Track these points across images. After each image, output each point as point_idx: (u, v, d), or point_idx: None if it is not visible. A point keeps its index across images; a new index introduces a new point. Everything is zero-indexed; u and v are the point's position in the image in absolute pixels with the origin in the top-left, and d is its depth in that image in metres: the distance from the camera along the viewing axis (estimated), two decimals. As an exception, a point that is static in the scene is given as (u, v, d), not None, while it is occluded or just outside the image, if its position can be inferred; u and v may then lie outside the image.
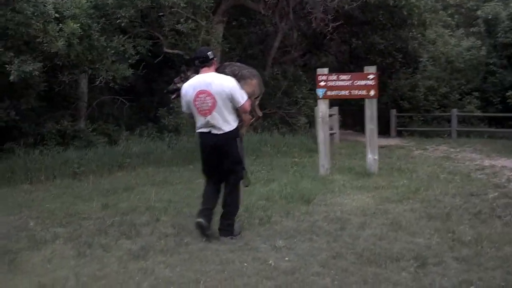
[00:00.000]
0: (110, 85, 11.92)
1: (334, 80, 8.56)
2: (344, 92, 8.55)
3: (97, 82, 11.20)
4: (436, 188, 7.41)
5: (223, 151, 5.14)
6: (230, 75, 5.22)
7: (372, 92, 8.44)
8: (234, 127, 5.12)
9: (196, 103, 5.04)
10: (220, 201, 5.43)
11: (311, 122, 15.39)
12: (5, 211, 7.23)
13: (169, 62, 16.22)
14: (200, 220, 5.16)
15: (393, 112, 20.19)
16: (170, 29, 12.22)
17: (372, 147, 8.55)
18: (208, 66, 5.15)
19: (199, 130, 5.19)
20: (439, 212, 6.11)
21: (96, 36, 10.71)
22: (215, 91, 4.97)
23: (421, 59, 21.14)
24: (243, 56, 18.25)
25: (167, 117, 13.40)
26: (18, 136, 11.53)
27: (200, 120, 5.12)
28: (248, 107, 5.21)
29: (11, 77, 10.03)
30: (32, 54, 10.68)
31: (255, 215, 6.19)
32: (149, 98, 16.06)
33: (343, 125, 19.50)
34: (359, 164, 9.58)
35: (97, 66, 10.92)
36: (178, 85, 5.83)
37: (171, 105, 13.50)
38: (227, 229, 5.27)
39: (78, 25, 10.14)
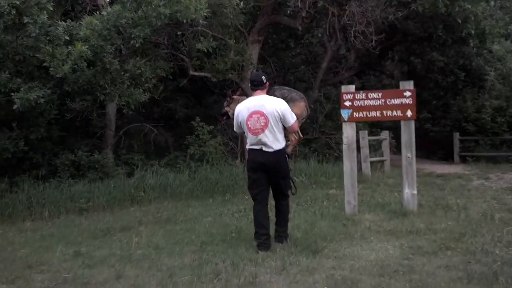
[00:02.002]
0: (124, 111, 10.95)
1: (362, 99, 7.07)
2: (375, 113, 7.03)
3: (108, 109, 10.18)
4: (486, 234, 5.71)
5: (272, 167, 5.54)
6: (280, 97, 5.72)
7: (409, 113, 6.88)
8: (283, 146, 5.58)
9: (249, 123, 5.52)
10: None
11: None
12: None
13: (207, 86, 15.30)
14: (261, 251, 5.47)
15: (457, 135, 18.06)
16: (197, 50, 11.11)
17: (410, 180, 6.93)
18: (261, 89, 5.64)
19: (251, 147, 5.63)
20: (484, 271, 4.46)
21: (109, 59, 9.76)
22: (268, 112, 5.46)
23: (487, 77, 18.95)
24: (285, 79, 16.99)
25: (193, 146, 12.25)
26: (29, 168, 10.74)
27: (252, 139, 5.57)
28: (296, 127, 5.74)
29: (15, 106, 9.27)
30: (41, 81, 9.92)
31: (239, 272, 4.80)
32: (184, 124, 15.03)
33: (399, 150, 17.59)
34: (398, 199, 7.94)
35: (108, 91, 9.93)
36: (226, 108, 7.41)
37: (196, 133, 12.37)
38: (283, 235, 5.73)
39: (87, 47, 9.22)
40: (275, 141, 5.49)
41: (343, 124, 7.22)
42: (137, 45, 9.71)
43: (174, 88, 16.49)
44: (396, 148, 15.54)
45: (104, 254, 6.00)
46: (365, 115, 7.09)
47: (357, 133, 14.22)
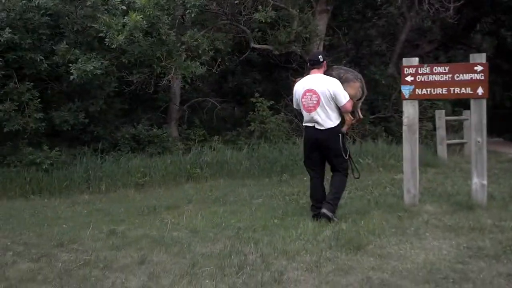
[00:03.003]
0: (185, 85, 10.64)
1: (426, 73, 6.21)
2: (441, 90, 6.15)
3: (165, 81, 9.90)
4: None
5: (325, 144, 5.74)
6: (336, 77, 5.72)
7: (480, 90, 5.96)
8: (336, 124, 5.70)
9: (303, 100, 5.73)
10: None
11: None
12: (13, 229, 6.31)
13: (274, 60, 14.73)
14: (322, 211, 5.67)
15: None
16: (259, 21, 10.54)
17: (479, 168, 6.03)
18: (318, 68, 5.78)
19: (305, 124, 5.87)
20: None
21: (165, 30, 9.44)
22: (320, 91, 5.61)
23: None
24: (358, 52, 16.04)
25: (254, 122, 11.76)
26: (90, 140, 10.76)
27: (306, 116, 5.79)
28: (349, 107, 5.72)
29: (71, 77, 9.22)
30: (100, 52, 9.82)
31: (267, 266, 4.32)
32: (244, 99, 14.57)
33: (490, 131, 16.08)
34: (468, 189, 7.06)
35: (164, 63, 9.64)
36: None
37: (256, 109, 11.87)
38: (331, 205, 5.71)
39: (142, 17, 8.95)
40: (327, 119, 5.64)
41: (404, 102, 6.41)
42: (192, 15, 9.31)
43: (242, 62, 16.08)
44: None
45: (138, 235, 5.72)
46: (428, 92, 6.23)
47: (433, 111, 13.21)
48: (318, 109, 5.63)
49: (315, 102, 5.63)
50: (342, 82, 5.70)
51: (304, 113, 5.79)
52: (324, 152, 5.82)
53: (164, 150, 10.81)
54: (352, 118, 6.06)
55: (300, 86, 5.82)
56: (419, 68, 6.30)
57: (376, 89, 14.12)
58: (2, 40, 9.05)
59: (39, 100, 9.70)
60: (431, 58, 18.51)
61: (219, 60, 11.44)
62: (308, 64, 5.97)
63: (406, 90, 6.34)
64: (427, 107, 14.26)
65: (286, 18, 10.97)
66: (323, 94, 5.59)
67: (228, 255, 4.71)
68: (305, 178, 9.20)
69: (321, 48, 12.60)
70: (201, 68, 9.87)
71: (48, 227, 6.41)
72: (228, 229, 5.76)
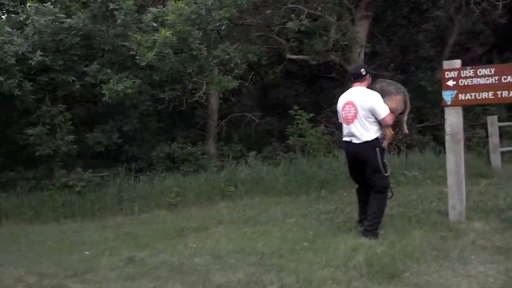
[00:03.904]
0: (202, 99, 10.33)
1: (469, 77, 5.60)
2: (486, 95, 5.51)
3: (197, 97, 9.61)
4: None
5: (362, 159, 5.62)
6: (378, 90, 5.60)
7: (532, 93, 5.30)
8: (373, 138, 5.52)
9: (343, 112, 5.68)
10: None
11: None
12: (34, 256, 6.11)
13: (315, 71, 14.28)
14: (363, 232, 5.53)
15: None
16: (294, 30, 10.12)
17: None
18: (360, 81, 5.69)
19: (344, 139, 5.82)
20: None
21: (196, 45, 9.16)
22: (358, 103, 5.53)
23: None
24: (404, 58, 15.30)
25: (293, 136, 11.28)
26: (125, 160, 10.58)
27: (344, 128, 5.75)
28: (389, 121, 5.56)
29: (104, 98, 9.09)
30: (132, 71, 9.66)
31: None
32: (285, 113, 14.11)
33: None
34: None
35: (195, 79, 9.36)
36: None
37: (294, 122, 11.38)
38: (369, 229, 5.49)
39: (171, 32, 8.70)
40: (364, 132, 5.53)
41: (446, 109, 5.80)
42: (222, 28, 8.99)
43: (283, 74, 15.68)
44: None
45: (157, 262, 5.37)
46: (473, 97, 5.61)
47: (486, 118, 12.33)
48: (356, 122, 5.55)
49: (353, 114, 5.57)
50: (383, 95, 5.58)
51: (343, 125, 5.76)
52: (363, 168, 5.68)
53: (199, 168, 10.47)
54: (393, 132, 5.83)
55: (341, 99, 5.81)
56: (461, 71, 5.70)
57: (424, 96, 13.40)
58: (33, 64, 9.01)
59: (70, 122, 9.61)
60: (484, 62, 17.47)
61: (252, 73, 11.04)
62: (351, 77, 5.98)
63: (448, 96, 5.76)
64: (479, 113, 13.40)
65: (323, 26, 10.46)
66: (361, 107, 5.51)
67: (246, 286, 4.26)
68: (345, 194, 8.69)
69: (362, 56, 12.05)
70: (234, 82, 9.50)
71: (69, 254, 6.17)
72: (253, 254, 5.31)
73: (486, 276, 3.98)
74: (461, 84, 5.66)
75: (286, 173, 9.77)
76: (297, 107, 11.52)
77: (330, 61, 11.30)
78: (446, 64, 5.87)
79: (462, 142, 5.75)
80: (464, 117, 13.45)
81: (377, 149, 5.52)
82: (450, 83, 5.71)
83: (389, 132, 5.69)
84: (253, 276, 4.55)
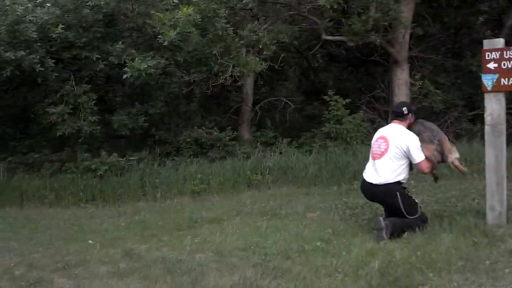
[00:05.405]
0: (238, 83, 9.76)
1: (515, 58, 4.81)
2: (534, 79, 4.72)
3: (221, 80, 9.07)
4: None
5: (378, 199, 5.39)
6: (416, 133, 5.24)
7: None
8: (395, 181, 5.11)
9: (374, 146, 5.34)
10: None
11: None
12: (36, 244, 5.88)
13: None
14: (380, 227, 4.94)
15: None
16: (331, 9, 9.38)
17: None
18: (400, 120, 5.33)
19: (364, 175, 5.43)
20: None
21: (222, 24, 8.62)
22: (393, 140, 5.15)
23: None
24: (456, 42, 14.21)
25: (329, 123, 10.57)
26: (152, 145, 10.23)
27: (369, 163, 5.38)
28: (425, 168, 5.15)
29: (124, 76, 8.69)
30: (157, 52, 9.25)
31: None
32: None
33: None
34: None
35: (220, 61, 8.84)
36: None
37: (330, 108, 10.66)
38: (391, 225, 4.93)
39: (193, 10, 8.18)
40: (387, 172, 5.11)
41: (486, 95, 5.01)
42: (250, 6, 8.40)
43: (325, 58, 14.96)
44: None
45: (155, 257, 4.94)
46: (518, 82, 4.81)
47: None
48: (383, 158, 5.14)
49: (383, 149, 5.17)
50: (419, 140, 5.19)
51: (370, 160, 5.39)
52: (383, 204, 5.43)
53: (228, 154, 9.97)
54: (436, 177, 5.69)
55: (377, 132, 5.50)
56: (505, 52, 4.89)
57: (476, 82, 12.33)
58: (55, 37, 8.70)
59: (94, 102, 9.29)
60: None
61: (282, 55, 10.37)
62: (392, 114, 5.76)
63: (488, 81, 4.97)
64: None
65: (361, 4, 9.65)
66: (393, 144, 5.11)
67: (235, 294, 3.75)
68: (379, 186, 7.97)
69: (407, 38, 11.14)
70: (262, 64, 8.91)
71: (72, 243, 5.87)
72: (258, 253, 4.77)
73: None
74: (504, 67, 4.85)
75: (317, 162, 9.13)
76: (332, 92, 10.79)
77: (371, 43, 10.45)
78: (487, 43, 5.05)
79: (504, 134, 4.95)
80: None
81: (398, 193, 5.06)
82: (491, 65, 4.91)
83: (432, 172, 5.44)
84: (249, 280, 4.04)
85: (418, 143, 5.10)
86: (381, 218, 5.01)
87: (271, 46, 9.07)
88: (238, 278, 4.14)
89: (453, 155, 5.31)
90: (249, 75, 10.71)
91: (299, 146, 10.74)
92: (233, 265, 4.50)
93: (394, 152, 5.09)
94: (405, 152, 5.07)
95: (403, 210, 5.02)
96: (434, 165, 5.27)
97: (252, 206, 7.42)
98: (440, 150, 5.21)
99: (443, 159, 5.26)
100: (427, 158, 5.10)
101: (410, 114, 5.36)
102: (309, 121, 12.53)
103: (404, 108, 5.35)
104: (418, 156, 5.05)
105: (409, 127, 5.34)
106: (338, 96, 10.67)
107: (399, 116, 5.34)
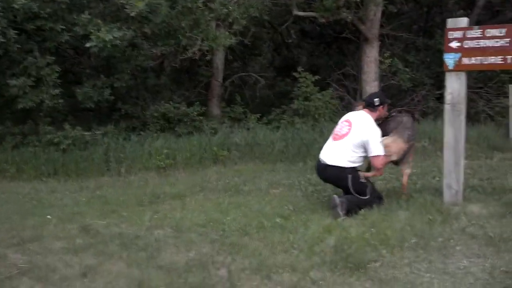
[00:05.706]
0: (207, 58, 9.62)
1: (476, 38, 4.81)
2: (495, 59, 4.73)
3: (190, 54, 8.92)
4: None
5: (331, 181, 5.35)
6: (393, 125, 5.22)
7: (548, 58, 4.50)
8: (347, 166, 5.04)
9: (337, 127, 5.28)
10: None
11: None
12: None
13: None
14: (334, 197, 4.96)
15: None
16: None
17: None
18: (370, 110, 5.23)
19: (320, 154, 5.32)
20: None
21: (193, -4, 8.44)
22: (355, 127, 5.08)
23: None
24: (428, 20, 14.24)
25: (298, 100, 10.55)
26: (119, 119, 10.06)
27: (327, 143, 5.32)
28: (379, 164, 5.05)
29: (88, 44, 8.44)
30: (124, 23, 9.01)
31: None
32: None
33: None
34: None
35: (189, 34, 8.67)
36: None
37: (299, 85, 10.63)
38: (346, 201, 4.88)
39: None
40: (342, 155, 5.06)
41: (447, 74, 5.04)
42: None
43: (299, 33, 14.84)
44: None
45: (112, 233, 4.87)
46: (479, 62, 4.82)
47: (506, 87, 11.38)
48: (342, 141, 5.08)
49: (344, 132, 5.11)
50: (395, 128, 5.16)
51: (329, 139, 5.31)
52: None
53: (195, 130, 9.89)
54: (382, 173, 5.43)
55: (345, 115, 5.41)
56: (467, 31, 4.90)
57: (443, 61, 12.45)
58: (17, 7, 8.40)
59: (58, 74, 9.04)
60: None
61: (253, 30, 10.26)
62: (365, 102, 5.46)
63: (450, 59, 5.00)
64: (505, 80, 12.41)
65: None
66: (355, 132, 5.05)
67: (189, 272, 3.72)
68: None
69: (379, 15, 11.14)
70: (231, 38, 8.78)
71: (29, 218, 5.71)
72: (215, 230, 4.75)
73: (466, 274, 3.32)
74: (466, 46, 4.87)
75: (284, 139, 9.12)
76: (301, 69, 10.75)
77: (342, 20, 10.40)
78: (450, 22, 5.06)
79: (463, 113, 4.99)
80: (486, 85, 12.62)
81: (349, 176, 5.02)
82: (454, 44, 4.94)
83: (378, 172, 5.23)
84: (204, 257, 4.02)
85: (379, 137, 5.03)
86: (335, 196, 4.95)
87: (242, 20, 8.95)
88: (194, 254, 4.12)
89: (408, 168, 5.34)
90: (218, 49, 10.57)
91: (268, 122, 10.74)
92: (190, 241, 4.47)
93: (353, 138, 5.03)
94: (363, 143, 5.00)
95: (353, 192, 5.01)
96: (387, 162, 5.20)
97: (216, 182, 7.39)
98: (405, 153, 5.16)
99: (398, 161, 5.23)
100: (388, 152, 5.04)
101: (382, 106, 5.25)
102: (281, 98, 12.49)
103: (376, 100, 5.26)
104: (376, 150, 4.98)
105: (386, 121, 5.29)
106: (307, 73, 10.63)
107: (369, 106, 5.24)
